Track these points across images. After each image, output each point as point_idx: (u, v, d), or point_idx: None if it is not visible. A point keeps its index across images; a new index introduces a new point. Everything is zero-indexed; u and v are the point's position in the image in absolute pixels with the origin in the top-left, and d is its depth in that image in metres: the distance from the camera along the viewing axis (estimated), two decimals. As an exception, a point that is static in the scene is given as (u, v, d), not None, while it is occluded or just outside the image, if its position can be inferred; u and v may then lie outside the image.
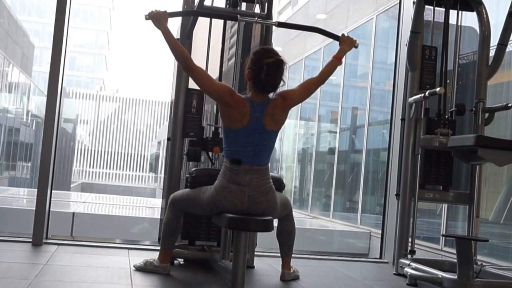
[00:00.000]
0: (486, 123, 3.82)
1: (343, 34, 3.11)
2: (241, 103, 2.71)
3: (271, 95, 2.78)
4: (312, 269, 3.68)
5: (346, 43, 3.07)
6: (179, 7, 3.71)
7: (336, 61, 3.00)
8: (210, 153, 3.54)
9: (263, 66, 2.68)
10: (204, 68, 3.66)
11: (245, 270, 2.54)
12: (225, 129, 2.76)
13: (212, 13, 3.61)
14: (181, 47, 2.79)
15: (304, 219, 11.49)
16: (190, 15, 3.52)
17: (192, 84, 3.61)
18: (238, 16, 3.29)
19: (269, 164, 2.86)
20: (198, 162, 3.57)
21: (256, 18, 3.26)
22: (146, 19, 2.82)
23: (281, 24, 3.45)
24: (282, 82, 2.76)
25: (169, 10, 2.86)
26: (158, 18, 2.78)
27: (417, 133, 3.75)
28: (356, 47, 3.09)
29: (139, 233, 7.60)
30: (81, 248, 3.72)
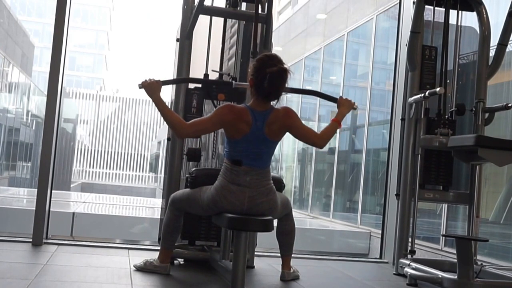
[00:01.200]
0: (486, 123, 3.82)
1: (341, 97, 3.04)
2: (243, 114, 2.68)
3: (273, 102, 2.77)
4: (312, 269, 3.68)
5: (345, 106, 3.01)
6: (179, 7, 3.71)
7: (335, 125, 2.92)
8: (215, 101, 3.51)
9: (266, 75, 2.65)
10: (204, 68, 3.66)
11: (245, 270, 2.54)
12: (227, 137, 2.75)
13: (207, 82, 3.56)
14: (174, 115, 2.73)
15: (304, 219, 11.49)
16: (182, 83, 3.52)
17: (192, 84, 3.62)
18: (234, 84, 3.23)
19: (270, 166, 2.86)
20: (198, 162, 3.57)
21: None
22: (140, 88, 2.83)
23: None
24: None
25: (162, 78, 2.89)
26: (152, 88, 2.78)
27: (417, 133, 3.75)
28: (355, 109, 3.04)
29: (139, 233, 7.61)
30: (81, 248, 3.72)
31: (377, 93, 10.17)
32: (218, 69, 3.75)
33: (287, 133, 2.82)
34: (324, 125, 11.77)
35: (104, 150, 46.79)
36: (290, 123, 2.77)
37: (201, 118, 2.80)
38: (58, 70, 3.73)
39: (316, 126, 12.97)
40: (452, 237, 4.42)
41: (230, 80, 3.65)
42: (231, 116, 2.68)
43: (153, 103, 2.77)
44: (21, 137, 20.69)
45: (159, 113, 2.74)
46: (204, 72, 3.62)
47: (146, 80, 2.82)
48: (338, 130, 2.98)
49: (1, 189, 15.85)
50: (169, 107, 2.90)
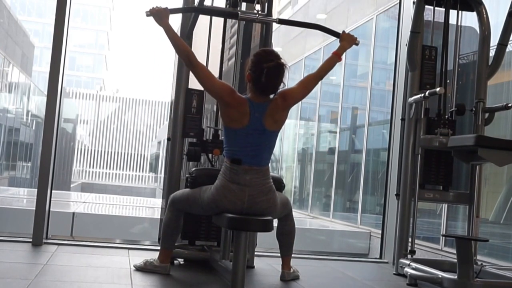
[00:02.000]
0: (486, 123, 3.82)
1: (343, 31, 3.09)
2: (241, 103, 2.71)
3: (271, 96, 2.78)
4: (312, 269, 3.68)
5: (346, 40, 3.05)
6: (179, 6, 3.71)
7: (335, 58, 2.97)
8: (210, 155, 3.53)
9: (263, 70, 2.67)
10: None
11: (245, 270, 2.54)
12: (225, 129, 2.76)
13: (213, 10, 3.61)
14: (183, 43, 2.80)
15: (304, 219, 11.49)
16: (191, 12, 3.52)
17: (192, 84, 3.62)
18: (239, 13, 3.29)
19: (269, 164, 2.86)
20: (198, 162, 3.57)
21: (257, 16, 3.25)
22: (147, 15, 2.81)
23: (281, 21, 3.44)
24: (282, 84, 2.76)
25: (170, 7, 2.87)
26: (159, 15, 2.78)
27: (417, 133, 3.75)
28: (357, 44, 3.07)
29: (139, 233, 7.60)
30: (81, 248, 3.72)
31: (377, 93, 10.16)
32: (218, 71, 3.73)
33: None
34: (324, 125, 11.69)
35: (104, 150, 46.78)
36: (290, 101, 2.81)
37: (210, 72, 2.80)
38: (58, 70, 3.73)
39: (316, 126, 12.97)
40: (452, 237, 4.42)
41: None
42: (229, 98, 2.71)
43: (162, 28, 2.78)
44: (21, 137, 20.69)
45: (166, 35, 2.75)
46: (200, 127, 3.60)
47: (153, 7, 2.80)
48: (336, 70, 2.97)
49: (1, 189, 15.85)
50: (169, 107, 2.90)
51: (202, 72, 2.76)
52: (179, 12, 3.36)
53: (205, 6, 3.54)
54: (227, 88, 2.75)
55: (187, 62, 2.79)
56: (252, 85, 2.74)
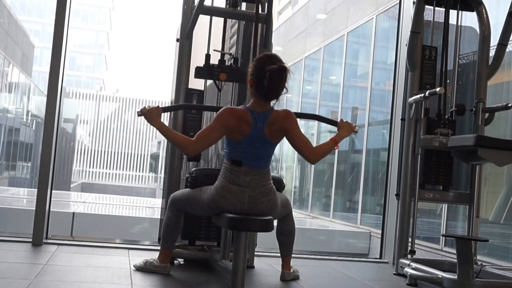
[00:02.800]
0: (486, 123, 3.82)
1: (341, 120, 3.02)
2: (243, 115, 2.68)
3: (273, 103, 2.76)
4: (312, 269, 3.68)
5: (345, 128, 2.98)
6: (179, 7, 3.71)
7: (332, 144, 2.89)
8: (217, 82, 3.50)
9: (265, 73, 2.64)
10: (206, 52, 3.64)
11: (245, 270, 2.54)
12: (226, 138, 2.75)
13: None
14: (179, 137, 2.76)
15: (304, 219, 11.49)
16: (183, 109, 3.52)
17: (192, 84, 3.62)
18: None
19: (270, 166, 2.86)
20: (198, 162, 3.57)
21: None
22: (139, 115, 2.80)
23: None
24: (285, 90, 2.71)
25: (161, 105, 2.88)
26: (151, 115, 2.75)
27: (417, 133, 3.75)
28: (356, 132, 3.02)
29: (139, 233, 7.61)
30: (81, 248, 3.72)
31: (377, 93, 10.17)
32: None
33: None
34: (324, 125, 11.68)
35: (104, 150, 46.80)
36: (288, 126, 2.76)
37: (205, 129, 2.73)
38: (58, 70, 3.73)
39: (316, 126, 12.98)
40: (452, 237, 4.42)
41: (232, 62, 3.64)
42: (233, 120, 2.67)
43: (156, 129, 2.76)
44: (21, 137, 20.70)
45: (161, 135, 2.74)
46: (206, 52, 3.59)
47: (145, 107, 2.78)
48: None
49: (1, 189, 15.85)
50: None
51: (206, 140, 2.70)
52: (171, 110, 3.36)
53: (205, 6, 3.54)
54: (225, 117, 2.68)
55: (190, 152, 2.73)
56: (254, 90, 2.71)
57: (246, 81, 2.78)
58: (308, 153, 2.82)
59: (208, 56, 3.56)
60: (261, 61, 2.71)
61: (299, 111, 13.56)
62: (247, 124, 2.67)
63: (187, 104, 3.56)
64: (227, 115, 2.69)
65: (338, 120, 3.05)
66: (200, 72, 3.51)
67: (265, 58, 2.71)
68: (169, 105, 3.56)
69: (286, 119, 2.75)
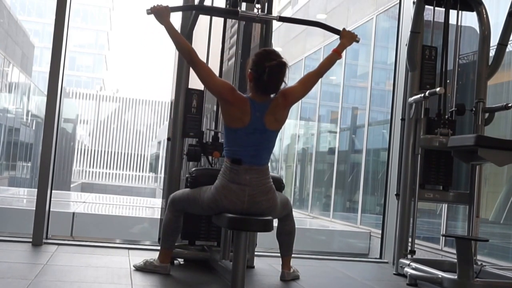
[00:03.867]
0: (486, 123, 3.82)
1: (344, 29, 3.08)
2: (242, 102, 2.70)
3: (272, 95, 2.78)
4: (312, 269, 3.68)
5: (347, 37, 3.04)
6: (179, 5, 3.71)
7: (335, 55, 2.96)
8: (210, 158, 3.53)
9: (265, 69, 2.66)
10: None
11: (245, 270, 2.54)
12: (225, 129, 2.76)
13: (213, 9, 3.62)
14: (184, 41, 2.81)
15: (304, 219, 11.48)
16: (191, 10, 3.52)
17: (192, 84, 3.62)
18: (239, 11, 3.28)
19: (269, 164, 2.86)
20: (198, 162, 3.57)
21: (257, 14, 3.24)
22: (148, 13, 2.82)
23: (282, 19, 3.43)
24: (283, 84, 2.75)
25: (170, 5, 2.87)
26: (160, 13, 2.78)
27: (417, 133, 3.75)
28: (358, 41, 3.06)
29: (139, 233, 7.60)
30: (81, 248, 3.72)
31: (377, 93, 10.17)
32: (218, 71, 3.73)
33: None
34: (324, 125, 11.69)
35: (104, 150, 46.79)
36: (291, 99, 2.80)
37: (211, 70, 2.79)
38: (58, 70, 3.73)
39: (316, 126, 12.98)
40: (452, 237, 4.42)
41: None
42: (229, 96, 2.70)
43: (164, 26, 2.78)
44: (21, 137, 20.69)
45: (168, 34, 2.77)
46: (200, 129, 3.60)
47: (154, 5, 2.80)
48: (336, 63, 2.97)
49: (1, 189, 15.84)
50: (169, 107, 2.89)
51: (203, 70, 2.76)
52: (180, 10, 3.36)
53: (205, 6, 3.54)
54: (227, 86, 2.75)
55: (188, 60, 2.79)
56: (253, 84, 2.73)
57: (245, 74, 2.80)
58: (316, 77, 2.91)
59: (201, 133, 3.57)
60: (260, 56, 2.74)
61: (299, 109, 13.56)
62: (245, 113, 2.69)
63: (195, 5, 3.54)
64: (228, 88, 2.74)
65: (340, 30, 3.08)
66: (195, 149, 3.51)
67: (264, 54, 2.74)
68: (170, 105, 3.56)
69: (285, 98, 2.78)
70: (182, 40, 2.80)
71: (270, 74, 2.66)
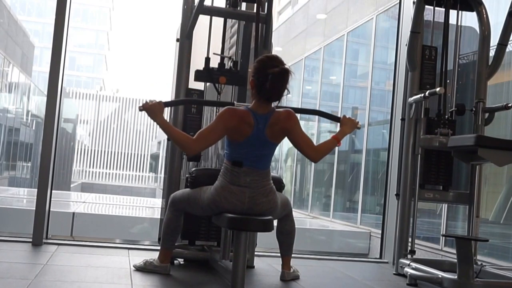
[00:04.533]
0: (486, 123, 3.82)
1: (344, 116, 2.98)
2: (244, 116, 2.66)
3: (275, 104, 2.75)
4: (312, 269, 3.68)
5: (348, 125, 2.94)
6: (179, 7, 3.71)
7: (334, 142, 2.85)
8: (217, 85, 3.49)
9: (267, 76, 2.62)
10: (206, 56, 3.64)
11: (245, 270, 2.54)
12: (227, 139, 2.74)
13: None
14: (180, 134, 2.70)
15: (304, 219, 11.49)
16: (186, 104, 3.51)
17: (192, 84, 3.62)
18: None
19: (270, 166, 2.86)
20: (198, 162, 3.57)
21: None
22: (140, 110, 2.74)
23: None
24: (286, 91, 2.70)
25: (164, 99, 2.81)
26: (153, 110, 2.70)
27: (417, 133, 3.75)
28: (359, 128, 2.98)
29: (139, 233, 7.60)
30: (81, 248, 3.72)
31: (377, 93, 10.17)
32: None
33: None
34: (324, 125, 11.69)
35: (104, 150, 46.81)
36: (290, 126, 2.75)
37: (206, 129, 2.71)
38: (58, 70, 3.73)
39: (316, 126, 12.98)
40: (452, 237, 4.42)
41: (231, 65, 3.63)
42: (234, 120, 2.65)
43: (157, 125, 2.71)
44: (21, 137, 20.70)
45: (163, 131, 2.70)
46: (206, 56, 3.59)
47: (147, 102, 2.73)
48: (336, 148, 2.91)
49: (1, 189, 15.84)
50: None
51: (206, 140, 2.67)
52: (174, 105, 3.33)
53: (205, 6, 3.54)
54: (226, 117, 2.66)
55: (190, 151, 2.72)
56: (255, 92, 2.70)
57: (247, 82, 2.76)
58: (310, 152, 2.80)
59: (207, 59, 3.56)
60: (262, 63, 2.69)
61: (300, 106, 13.55)
62: (249, 125, 2.66)
63: (189, 99, 3.54)
64: (228, 115, 2.67)
65: (341, 117, 3.01)
66: (200, 76, 3.51)
67: (267, 60, 2.69)
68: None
69: (288, 119, 2.74)
70: (178, 134, 2.69)
71: (272, 81, 2.62)
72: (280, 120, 2.72)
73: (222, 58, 3.56)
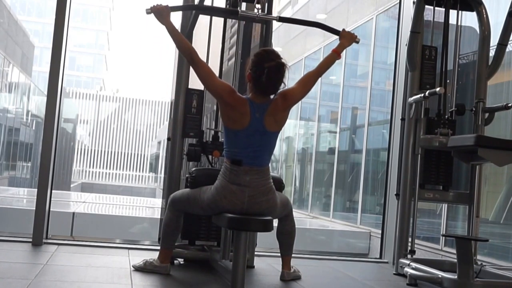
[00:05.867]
0: (486, 123, 3.82)
1: (343, 29, 3.07)
2: (241, 103, 2.70)
3: (272, 96, 2.78)
4: (312, 269, 3.68)
5: (346, 38, 3.03)
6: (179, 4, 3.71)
7: (335, 55, 2.95)
8: (210, 157, 3.53)
9: (264, 69, 2.66)
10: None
11: (245, 270, 2.54)
12: (225, 129, 2.76)
13: (214, 9, 3.62)
14: (185, 41, 2.80)
15: (304, 219, 11.49)
16: (191, 10, 3.52)
17: (192, 84, 3.62)
18: (239, 11, 3.28)
19: (269, 164, 2.86)
20: (198, 162, 3.57)
21: (257, 14, 3.24)
22: (148, 13, 2.80)
23: (282, 19, 3.43)
24: (283, 85, 2.75)
25: (170, 5, 2.86)
26: (161, 12, 2.77)
27: (417, 133, 3.75)
28: (357, 42, 3.05)
29: (139, 233, 7.60)
30: (81, 248, 3.72)
31: (377, 93, 10.17)
32: (218, 71, 3.73)
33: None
34: (324, 125, 11.69)
35: (104, 150, 46.80)
36: (291, 100, 2.79)
37: (211, 71, 2.78)
38: (58, 70, 3.73)
39: (316, 126, 12.97)
40: (452, 237, 4.42)
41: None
42: (228, 98, 2.69)
43: (164, 26, 2.77)
44: (21, 137, 20.69)
45: (169, 34, 2.76)
46: (199, 129, 3.59)
47: (154, 5, 2.79)
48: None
49: (1, 189, 15.84)
50: (169, 107, 2.89)
51: (203, 70, 2.75)
52: (180, 10, 3.35)
53: (205, 6, 3.54)
54: (227, 88, 2.74)
55: (189, 59, 2.79)
56: (252, 85, 2.73)
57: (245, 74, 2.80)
58: (315, 76, 2.90)
59: (201, 133, 3.57)
60: (259, 56, 2.73)
61: (299, 109, 13.55)
62: (244, 114, 2.68)
63: (194, 5, 3.54)
64: (228, 90, 2.72)
65: (340, 30, 3.07)
66: (192, 155, 3.49)
67: (264, 54, 2.74)
68: (170, 105, 3.56)
69: (285, 99, 2.77)
70: (183, 40, 2.79)
71: (269, 75, 2.66)
72: (278, 105, 2.74)
73: (216, 132, 3.57)
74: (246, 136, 2.70)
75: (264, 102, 2.73)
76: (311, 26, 3.45)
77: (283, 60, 2.71)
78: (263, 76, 2.66)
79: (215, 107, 3.77)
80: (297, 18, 3.82)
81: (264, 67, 2.66)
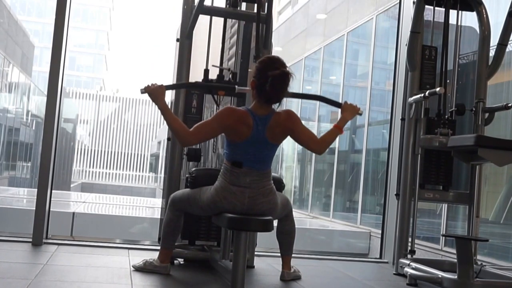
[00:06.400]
0: (486, 123, 3.82)
1: (345, 102, 2.97)
2: (244, 117, 2.66)
3: (275, 105, 2.75)
4: (312, 269, 3.68)
5: (349, 111, 2.92)
6: (179, 7, 3.71)
7: (337, 131, 2.84)
8: (215, 96, 3.50)
9: (267, 78, 2.62)
10: (205, 68, 3.65)
11: (245, 270, 2.54)
12: (227, 139, 2.74)
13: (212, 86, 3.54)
14: (178, 123, 2.69)
15: (304, 219, 11.49)
16: (187, 88, 3.52)
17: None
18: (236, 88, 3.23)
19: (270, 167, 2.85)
20: (198, 162, 3.57)
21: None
22: (142, 93, 2.75)
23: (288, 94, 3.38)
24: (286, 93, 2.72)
25: (165, 83, 2.81)
26: (155, 93, 2.71)
27: (417, 133, 3.75)
28: (360, 114, 2.95)
29: (139, 233, 7.60)
30: (81, 248, 3.72)
31: (377, 93, 10.17)
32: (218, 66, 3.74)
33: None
34: (324, 125, 11.71)
35: (104, 150, 46.80)
36: (292, 126, 2.76)
37: (202, 123, 2.73)
38: (58, 70, 3.73)
39: (316, 126, 12.98)
40: (452, 237, 4.42)
41: (230, 77, 3.66)
42: (231, 119, 2.66)
43: (158, 108, 2.72)
44: (21, 137, 20.69)
45: (161, 116, 2.70)
46: (205, 67, 3.60)
47: (148, 85, 2.74)
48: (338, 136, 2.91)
49: (1, 189, 15.84)
50: (170, 107, 2.88)
51: (202, 134, 2.68)
52: (175, 88, 3.35)
53: (205, 6, 3.54)
54: (224, 115, 2.67)
55: (184, 142, 2.72)
56: (256, 92, 2.70)
57: (248, 83, 2.77)
58: (315, 146, 2.80)
59: (206, 71, 3.56)
60: (263, 64, 2.69)
61: (299, 109, 13.56)
62: (248, 126, 2.66)
63: (190, 83, 3.54)
64: (225, 113, 2.68)
65: (342, 102, 3.00)
66: (199, 93, 3.52)
67: (268, 62, 2.69)
68: (170, 105, 3.55)
69: (289, 120, 2.75)
70: (175, 122, 2.67)
71: (272, 83, 2.62)
72: (280, 121, 2.72)
73: (221, 70, 3.57)
74: (248, 146, 2.68)
75: (266, 114, 2.70)
76: (312, 99, 3.41)
77: (287, 69, 2.66)
78: (267, 84, 2.62)
79: (215, 107, 3.77)
80: (299, 93, 3.67)
81: (268, 76, 2.62)
